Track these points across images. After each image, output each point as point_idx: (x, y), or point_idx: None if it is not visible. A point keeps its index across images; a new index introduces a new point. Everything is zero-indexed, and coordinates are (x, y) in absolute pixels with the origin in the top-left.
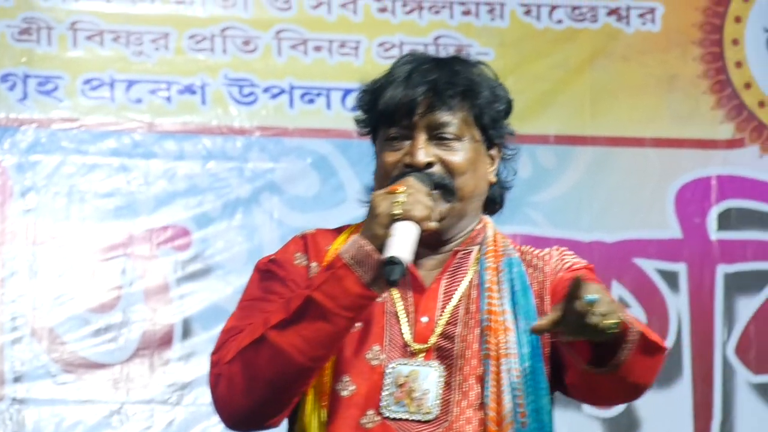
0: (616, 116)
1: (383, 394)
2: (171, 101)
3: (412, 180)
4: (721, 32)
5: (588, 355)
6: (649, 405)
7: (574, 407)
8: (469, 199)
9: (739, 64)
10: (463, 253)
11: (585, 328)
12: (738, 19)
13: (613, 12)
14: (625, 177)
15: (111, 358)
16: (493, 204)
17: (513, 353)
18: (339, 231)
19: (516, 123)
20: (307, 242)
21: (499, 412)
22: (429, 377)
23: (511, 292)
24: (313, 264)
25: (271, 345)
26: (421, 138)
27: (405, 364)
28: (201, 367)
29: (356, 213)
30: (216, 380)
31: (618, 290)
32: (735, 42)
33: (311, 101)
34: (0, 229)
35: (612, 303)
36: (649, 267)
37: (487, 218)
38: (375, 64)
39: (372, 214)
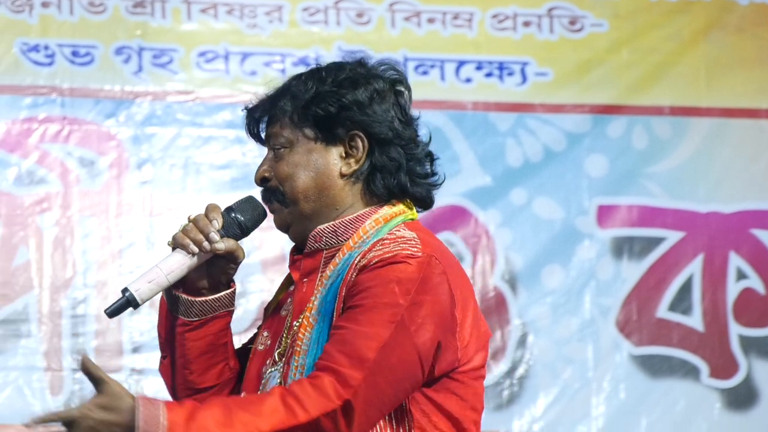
0: (730, 88)
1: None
2: (285, 73)
3: (200, 214)
4: None
5: None
6: None
7: (693, 377)
8: (304, 200)
9: None
10: (329, 254)
11: None
12: None
13: None
14: (740, 148)
15: None
16: (378, 192)
17: (304, 351)
18: None
19: (631, 94)
20: None
21: None
22: (274, 380)
23: (327, 289)
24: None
25: None
26: (267, 156)
27: (270, 370)
28: None
29: (471, 184)
30: None
31: (736, 261)
32: None
33: (425, 73)
34: (117, 201)
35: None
36: (767, 237)
37: (373, 211)
38: (488, 36)
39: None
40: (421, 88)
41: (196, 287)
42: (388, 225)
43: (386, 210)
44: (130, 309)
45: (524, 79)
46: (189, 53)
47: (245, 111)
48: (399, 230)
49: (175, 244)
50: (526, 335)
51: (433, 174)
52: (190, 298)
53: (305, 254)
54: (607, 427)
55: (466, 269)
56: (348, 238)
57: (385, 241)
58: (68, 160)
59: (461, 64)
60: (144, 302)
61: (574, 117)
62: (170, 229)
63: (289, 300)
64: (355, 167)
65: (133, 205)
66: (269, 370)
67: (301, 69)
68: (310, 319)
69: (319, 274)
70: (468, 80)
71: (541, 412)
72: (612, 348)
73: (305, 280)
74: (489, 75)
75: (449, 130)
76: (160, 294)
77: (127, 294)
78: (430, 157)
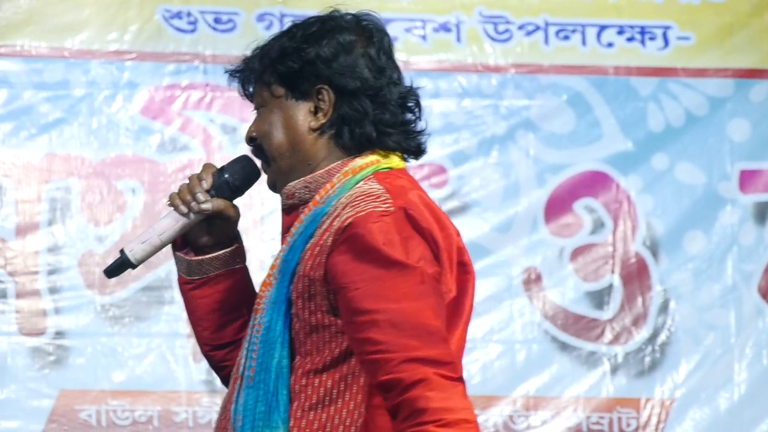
0: None
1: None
2: (426, 39)
3: (195, 173)
4: None
5: None
6: None
7: None
8: (280, 157)
9: None
10: (303, 210)
11: None
12: None
13: None
14: None
15: None
16: (346, 144)
17: (263, 308)
18: None
19: None
20: None
21: (237, 365)
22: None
23: (290, 246)
24: None
25: None
26: (255, 116)
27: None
28: None
29: (611, 150)
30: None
31: None
32: None
33: (566, 38)
34: None
35: None
36: None
37: (344, 164)
38: (630, 0)
39: None
40: (562, 53)
41: (199, 245)
42: (356, 177)
43: (357, 161)
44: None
45: (666, 43)
46: None
47: (227, 73)
48: (368, 183)
49: (169, 205)
50: (667, 302)
51: (409, 122)
52: (186, 257)
53: (283, 211)
54: (750, 393)
55: (607, 235)
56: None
57: (356, 202)
58: (210, 126)
59: (602, 28)
60: (140, 263)
61: (716, 81)
62: None
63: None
64: (322, 121)
65: None
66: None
67: (442, 35)
68: (271, 278)
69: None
70: (609, 45)
71: (683, 379)
72: (754, 314)
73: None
74: (630, 39)
75: (590, 96)
76: None
77: (122, 255)
78: (411, 106)
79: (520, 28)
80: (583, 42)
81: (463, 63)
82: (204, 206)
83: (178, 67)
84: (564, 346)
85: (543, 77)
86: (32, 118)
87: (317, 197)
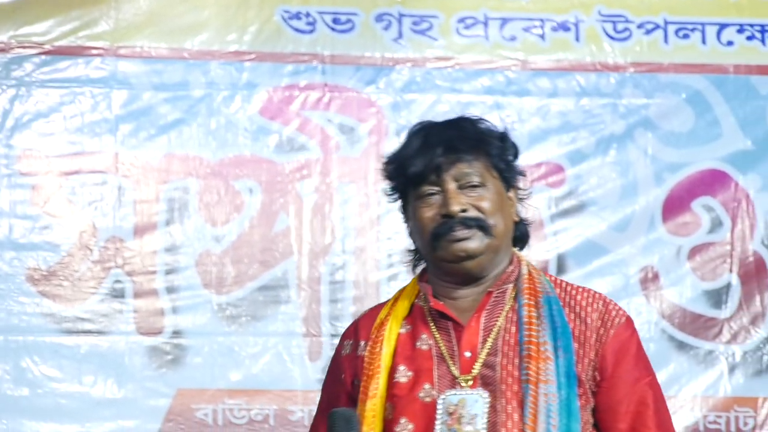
0: None
1: (437, 423)
2: (545, 38)
3: None
4: None
5: None
6: None
7: None
8: (501, 237)
9: None
10: (499, 292)
11: None
12: None
13: None
14: None
15: None
16: (521, 241)
17: (552, 380)
18: (381, 305)
19: None
20: (357, 326)
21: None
22: (476, 403)
23: (552, 328)
24: (362, 342)
25: None
26: (451, 190)
27: (454, 394)
28: None
29: (730, 149)
30: None
31: None
32: None
33: (686, 36)
34: (376, 168)
35: None
36: None
37: (521, 255)
38: None
39: None
40: (681, 51)
41: None
42: (529, 267)
43: (518, 252)
44: None
45: None
46: (448, 19)
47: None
48: (550, 276)
49: None
50: None
51: None
52: None
53: (468, 288)
54: None
55: (725, 234)
56: (514, 280)
57: (596, 295)
58: (328, 126)
59: (722, 27)
60: None
61: None
62: None
63: (428, 335)
64: (517, 217)
65: None
66: (453, 394)
67: (561, 34)
68: (544, 354)
69: (501, 310)
70: (730, 43)
71: None
72: None
73: (475, 315)
74: (751, 38)
75: (710, 94)
76: None
77: None
78: None
79: (639, 26)
80: (703, 40)
81: (582, 62)
82: None
83: (297, 67)
84: (681, 345)
85: (662, 76)
86: (151, 119)
87: (525, 283)
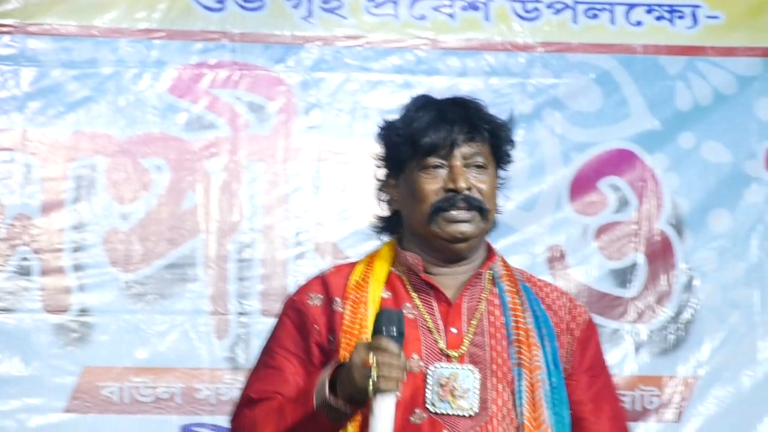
0: None
1: (427, 393)
2: (454, 18)
3: (386, 345)
4: None
5: None
6: None
7: None
8: (491, 223)
9: None
10: (478, 275)
11: None
12: None
13: None
14: None
15: None
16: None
17: (543, 367)
18: (352, 265)
19: None
20: (324, 281)
21: (537, 419)
22: (468, 378)
23: (534, 316)
24: (336, 299)
25: None
26: (459, 166)
27: (444, 367)
28: None
29: (638, 129)
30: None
31: None
32: None
33: (595, 16)
34: (284, 146)
35: None
36: None
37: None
38: None
39: (349, 380)
40: (590, 31)
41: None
42: (500, 255)
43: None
44: None
45: (695, 22)
46: None
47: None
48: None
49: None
50: (691, 280)
51: None
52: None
53: (454, 268)
54: None
55: (631, 214)
56: (487, 264)
57: (560, 290)
58: (237, 105)
59: (631, 7)
60: None
61: (745, 60)
62: (337, 174)
63: (412, 306)
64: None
65: (300, 150)
66: (444, 367)
67: (470, 13)
68: (531, 340)
69: (481, 293)
70: (638, 23)
71: (707, 357)
72: None
73: (460, 294)
74: (660, 18)
75: (618, 74)
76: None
77: None
78: None
79: (549, 6)
80: (612, 20)
81: (491, 41)
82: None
83: (206, 45)
84: None
85: (571, 56)
86: (60, 97)
87: (495, 264)
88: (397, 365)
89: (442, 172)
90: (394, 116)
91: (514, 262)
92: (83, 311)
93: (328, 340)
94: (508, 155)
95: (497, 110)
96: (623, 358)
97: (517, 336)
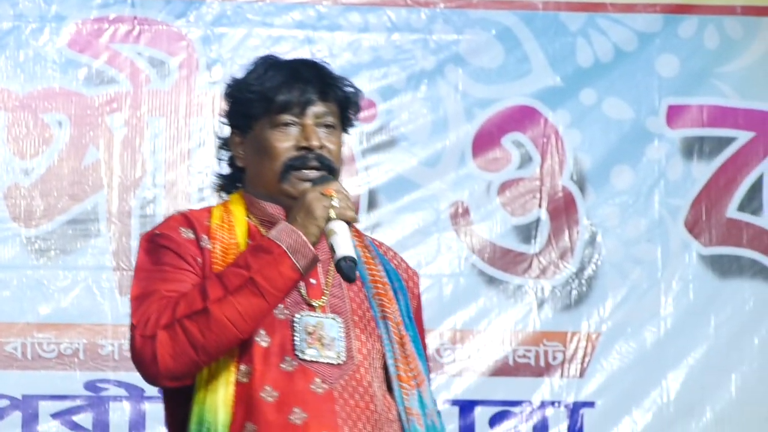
0: None
1: (296, 340)
2: None
3: (338, 185)
4: None
5: None
6: None
7: (762, 277)
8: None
9: None
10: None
11: None
12: None
13: None
14: None
15: None
16: None
17: (403, 321)
18: (209, 210)
19: None
20: (188, 217)
21: (412, 370)
22: (333, 328)
23: (385, 270)
24: (203, 236)
25: (212, 317)
26: (311, 125)
27: (310, 315)
28: (386, 237)
29: (539, 85)
30: (143, 342)
31: None
32: None
33: None
34: (186, 101)
35: None
36: None
37: None
38: None
39: (307, 211)
40: None
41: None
42: None
43: None
44: None
45: None
46: None
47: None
48: None
49: (341, 218)
50: (594, 235)
51: None
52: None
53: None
54: (676, 327)
55: (534, 170)
56: None
57: (391, 248)
58: (138, 60)
59: None
60: None
61: (645, 17)
62: None
63: None
64: None
65: (202, 106)
66: (310, 316)
67: None
68: (390, 293)
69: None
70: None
71: (609, 313)
72: (681, 248)
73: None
74: None
75: (519, 30)
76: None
77: (353, 261)
78: None
79: None
80: None
81: None
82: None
83: (106, 0)
84: (491, 280)
85: (472, 12)
86: None
87: None
88: (350, 200)
89: (294, 130)
90: (240, 75)
91: (418, 218)
92: None
93: (204, 275)
94: (354, 119)
95: (401, 66)
96: (527, 313)
97: (376, 289)
